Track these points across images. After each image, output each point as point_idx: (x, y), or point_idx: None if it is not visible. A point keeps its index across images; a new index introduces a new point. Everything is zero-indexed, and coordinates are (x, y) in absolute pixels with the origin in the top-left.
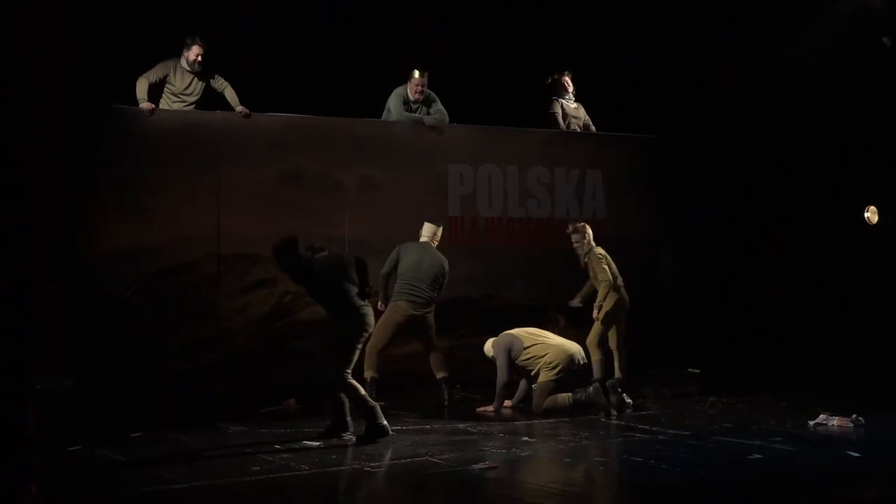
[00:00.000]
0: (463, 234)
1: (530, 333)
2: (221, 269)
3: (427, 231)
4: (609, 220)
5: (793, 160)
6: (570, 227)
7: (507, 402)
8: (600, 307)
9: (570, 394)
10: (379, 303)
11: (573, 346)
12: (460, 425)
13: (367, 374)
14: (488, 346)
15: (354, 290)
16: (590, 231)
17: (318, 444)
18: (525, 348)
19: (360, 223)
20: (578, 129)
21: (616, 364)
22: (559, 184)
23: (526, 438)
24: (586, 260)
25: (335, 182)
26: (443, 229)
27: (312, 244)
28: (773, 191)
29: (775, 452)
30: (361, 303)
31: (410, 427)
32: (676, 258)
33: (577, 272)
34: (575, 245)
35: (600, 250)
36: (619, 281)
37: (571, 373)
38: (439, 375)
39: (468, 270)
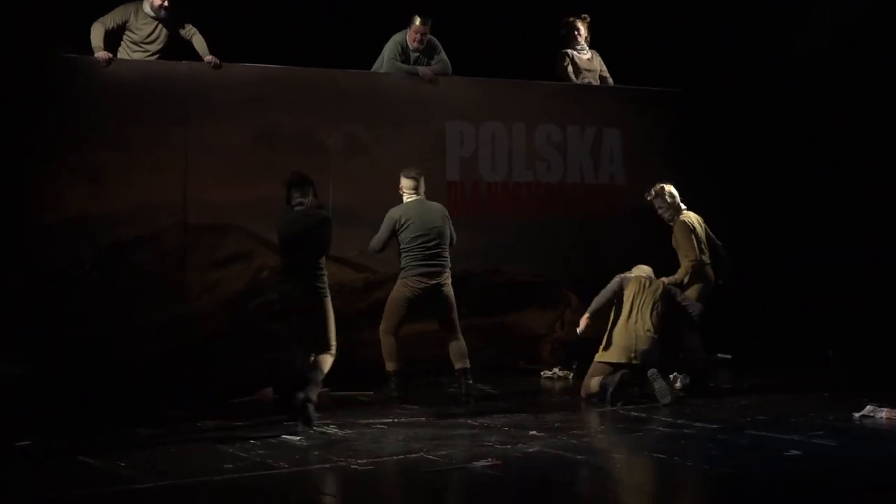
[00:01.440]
0: (463, 202)
1: (632, 293)
2: (188, 242)
3: (408, 185)
4: (628, 187)
5: (849, 120)
6: (649, 195)
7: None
8: (679, 286)
9: (599, 378)
10: None
11: (631, 341)
12: (459, 418)
13: (389, 366)
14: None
15: (294, 256)
16: (671, 190)
17: (298, 438)
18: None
19: (346, 189)
20: (594, 83)
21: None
22: (572, 144)
23: (534, 433)
24: (671, 225)
25: (318, 142)
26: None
27: (316, 201)
28: (821, 155)
29: (816, 448)
30: (289, 269)
31: (403, 420)
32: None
33: (594, 244)
34: (659, 212)
35: (691, 216)
36: (706, 257)
37: (615, 367)
38: (458, 365)
39: (468, 242)
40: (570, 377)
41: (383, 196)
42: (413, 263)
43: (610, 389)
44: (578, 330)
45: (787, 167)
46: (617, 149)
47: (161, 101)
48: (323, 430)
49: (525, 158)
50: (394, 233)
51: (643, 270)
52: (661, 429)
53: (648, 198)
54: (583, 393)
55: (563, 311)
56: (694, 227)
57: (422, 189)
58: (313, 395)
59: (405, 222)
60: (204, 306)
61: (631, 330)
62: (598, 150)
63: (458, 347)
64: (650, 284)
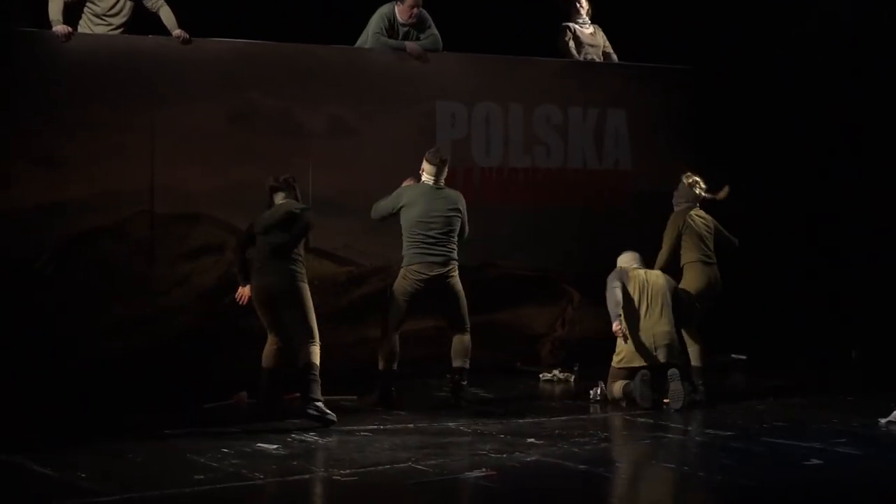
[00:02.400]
0: (454, 189)
1: (636, 289)
2: (156, 233)
3: (428, 170)
4: (635, 172)
5: (880, 101)
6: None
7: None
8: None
9: (622, 383)
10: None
11: (649, 341)
12: (451, 424)
13: (381, 364)
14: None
15: (261, 251)
16: (695, 181)
17: (275, 447)
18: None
19: (328, 175)
20: (597, 60)
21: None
22: (574, 126)
23: (532, 440)
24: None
25: (297, 124)
26: (448, 162)
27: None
28: (847, 140)
29: (839, 457)
30: (258, 265)
31: (389, 426)
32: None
33: (597, 235)
34: (686, 202)
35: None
36: (706, 257)
37: (629, 391)
38: (456, 363)
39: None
40: (572, 380)
41: (368, 182)
42: (411, 252)
43: (637, 394)
44: (618, 334)
45: (809, 152)
46: (622, 131)
47: (126, 79)
48: (302, 437)
49: (522, 142)
50: (395, 211)
51: (632, 259)
52: (670, 436)
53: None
54: (609, 398)
55: (565, 309)
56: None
57: (442, 176)
58: (319, 395)
59: (407, 204)
60: (173, 302)
61: (647, 331)
62: (601, 132)
63: (460, 343)
64: (648, 276)
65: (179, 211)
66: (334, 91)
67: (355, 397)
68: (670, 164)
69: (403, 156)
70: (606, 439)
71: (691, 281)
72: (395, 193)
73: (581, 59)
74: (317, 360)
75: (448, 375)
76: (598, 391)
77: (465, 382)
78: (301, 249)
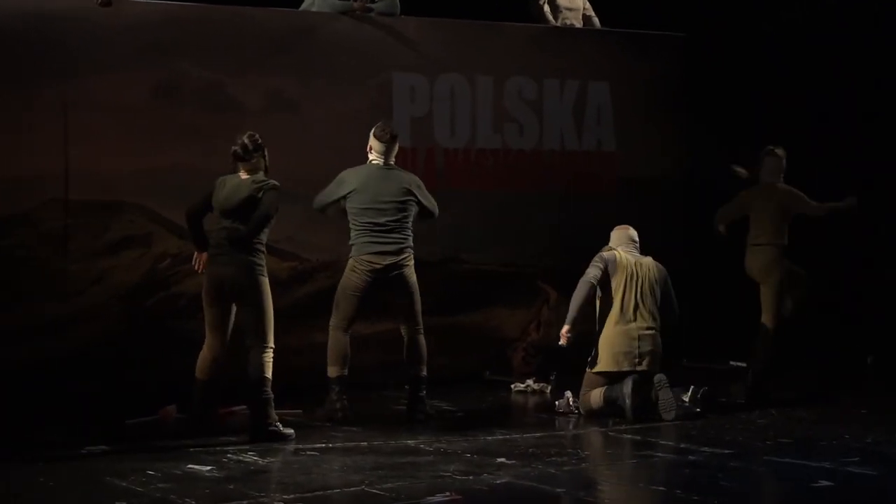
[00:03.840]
0: (414, 173)
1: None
2: (70, 223)
3: (376, 147)
4: (620, 155)
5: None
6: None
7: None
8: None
9: (602, 388)
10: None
11: (632, 344)
12: (409, 442)
13: (331, 370)
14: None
15: (217, 234)
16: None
17: (209, 469)
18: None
19: (269, 158)
20: (577, 26)
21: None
22: (550, 102)
23: (502, 460)
24: (774, 195)
25: (232, 98)
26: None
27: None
28: (857, 112)
29: (851, 478)
30: (214, 250)
31: (339, 445)
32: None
33: (577, 226)
34: (770, 178)
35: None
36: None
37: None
38: (413, 371)
39: (420, 224)
40: (548, 391)
41: (313, 166)
42: (361, 241)
43: (627, 401)
44: (562, 342)
45: (814, 131)
46: (605, 107)
47: (34, 47)
48: (239, 458)
49: (492, 119)
50: (340, 199)
51: (625, 240)
52: (660, 454)
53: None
54: (582, 409)
55: (540, 310)
56: None
57: (392, 154)
58: (274, 416)
59: (355, 190)
60: (91, 302)
61: (629, 330)
62: (581, 108)
63: (415, 347)
64: (640, 264)
65: (97, 198)
66: (275, 61)
67: (300, 412)
68: (659, 144)
69: (354, 135)
70: (587, 459)
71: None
72: (337, 179)
73: (558, 24)
74: (270, 373)
75: (406, 386)
76: (568, 402)
77: (423, 393)
78: (263, 237)
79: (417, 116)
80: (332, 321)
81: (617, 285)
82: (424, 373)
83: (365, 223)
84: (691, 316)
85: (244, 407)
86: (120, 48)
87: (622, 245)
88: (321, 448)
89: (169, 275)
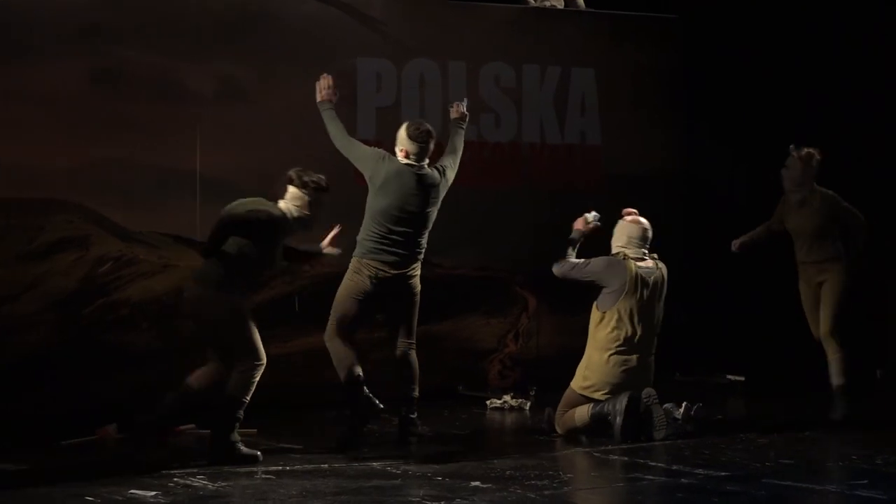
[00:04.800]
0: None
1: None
2: (0, 224)
3: (413, 149)
4: (606, 149)
5: None
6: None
7: None
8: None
9: (589, 405)
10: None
11: (625, 375)
12: (375, 464)
13: (347, 373)
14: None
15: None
16: (818, 157)
17: (154, 494)
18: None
19: (220, 152)
20: (559, 7)
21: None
22: (529, 90)
23: (476, 484)
24: (808, 204)
25: (180, 86)
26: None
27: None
28: (864, 104)
29: (859, 503)
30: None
31: (297, 467)
32: (712, 203)
33: (559, 227)
34: (790, 185)
35: (829, 191)
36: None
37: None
38: (409, 392)
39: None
40: (527, 407)
41: (268, 160)
42: (370, 244)
43: (619, 419)
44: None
45: (821, 123)
46: (590, 96)
47: None
48: (188, 482)
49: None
50: (357, 162)
51: (635, 239)
52: (650, 477)
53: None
54: (560, 429)
55: (518, 319)
56: None
57: (427, 156)
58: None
59: (385, 182)
60: (22, 311)
61: (629, 361)
62: (563, 97)
63: (410, 366)
64: (654, 283)
65: (29, 196)
66: (227, 45)
67: (255, 431)
68: (651, 140)
69: (314, 127)
70: (570, 482)
71: (847, 277)
72: (375, 152)
73: (538, 5)
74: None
75: (404, 409)
76: (548, 419)
77: (415, 415)
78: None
79: (384, 106)
80: (328, 330)
81: (623, 308)
82: (418, 393)
83: (380, 226)
84: (686, 326)
85: (191, 426)
86: (54, 32)
87: (632, 247)
88: (277, 471)
89: (109, 280)
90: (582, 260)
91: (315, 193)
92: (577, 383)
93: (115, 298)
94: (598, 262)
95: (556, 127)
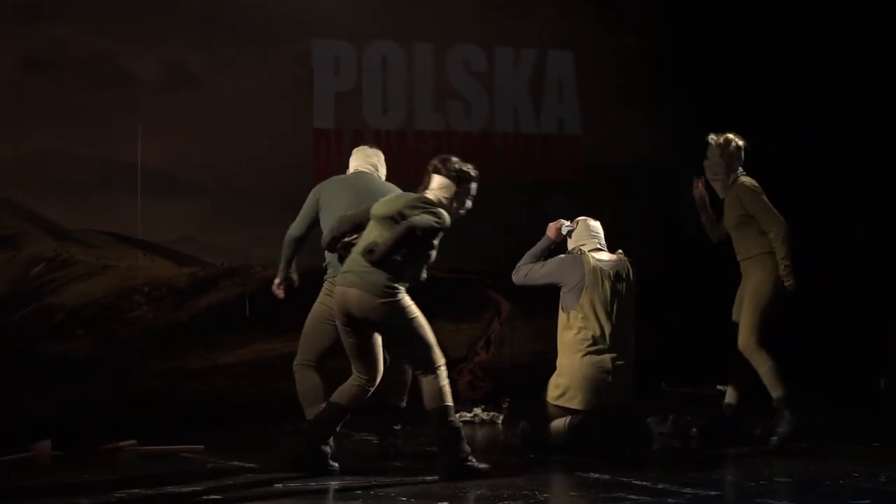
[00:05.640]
0: (339, 160)
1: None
2: None
3: (360, 158)
4: (587, 139)
5: None
6: (714, 141)
7: None
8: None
9: (567, 418)
10: (276, 281)
11: (601, 379)
12: (333, 483)
13: (310, 412)
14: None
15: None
16: (738, 142)
17: None
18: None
19: (163, 141)
20: None
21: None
22: (502, 74)
23: None
24: (728, 194)
25: (121, 71)
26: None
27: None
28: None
29: None
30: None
31: (248, 491)
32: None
33: (534, 224)
34: (710, 175)
35: (749, 181)
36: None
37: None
38: (395, 402)
39: None
40: (500, 421)
41: (217, 151)
42: (335, 263)
43: (599, 433)
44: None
45: (826, 113)
46: (568, 82)
47: None
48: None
49: (432, 96)
50: (312, 215)
51: (585, 231)
52: (634, 497)
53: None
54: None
55: (490, 325)
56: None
57: (380, 166)
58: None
59: (325, 203)
60: None
61: (602, 362)
62: (540, 83)
63: (401, 375)
64: (615, 274)
65: None
66: (173, 28)
67: (202, 447)
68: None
69: (268, 115)
70: (546, 502)
71: (768, 277)
72: (308, 203)
73: None
74: (450, 399)
75: (389, 420)
76: (521, 432)
77: (399, 426)
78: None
79: (342, 91)
80: (297, 359)
81: (587, 304)
82: (405, 404)
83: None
84: (671, 331)
85: (132, 442)
86: None
87: (586, 239)
88: (225, 491)
89: (43, 283)
90: (539, 263)
91: (465, 183)
92: (550, 394)
93: (48, 303)
94: (552, 261)
95: (531, 115)
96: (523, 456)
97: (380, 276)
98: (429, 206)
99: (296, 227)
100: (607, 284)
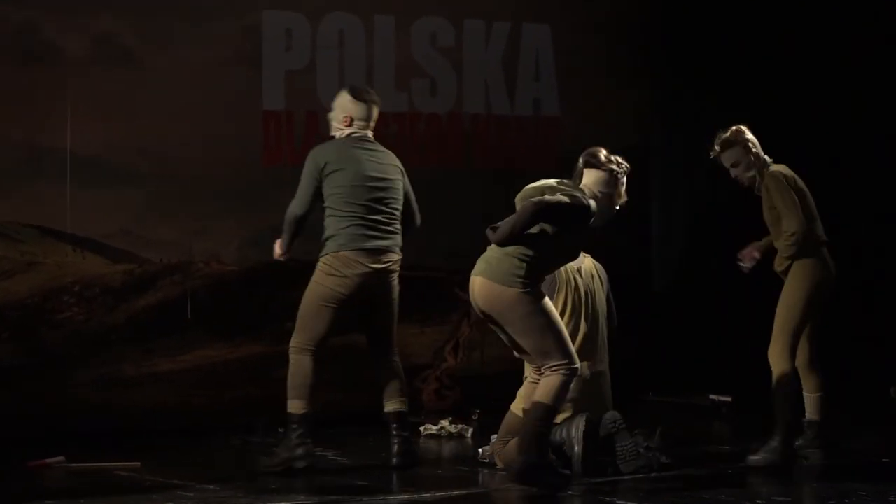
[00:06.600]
0: (290, 146)
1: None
2: None
3: (358, 112)
4: (566, 121)
5: None
6: (717, 142)
7: None
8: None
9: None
10: (279, 252)
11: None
12: (286, 501)
13: (293, 405)
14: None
15: None
16: (750, 136)
17: None
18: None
19: (95, 122)
20: None
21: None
22: (472, 50)
23: None
24: (759, 189)
25: (47, 46)
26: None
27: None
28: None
29: None
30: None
31: None
32: (694, 192)
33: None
34: (732, 170)
35: (782, 169)
36: (820, 229)
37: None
38: (392, 407)
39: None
40: (469, 434)
41: (155, 134)
42: (347, 232)
43: (577, 448)
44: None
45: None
46: (546, 58)
47: None
48: None
49: (395, 74)
50: (316, 185)
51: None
52: None
53: (714, 154)
54: (503, 463)
55: (458, 327)
56: (794, 179)
57: (373, 121)
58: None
59: (331, 171)
60: None
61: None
62: (514, 61)
63: (398, 378)
64: (588, 274)
65: None
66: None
67: (139, 464)
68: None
69: (212, 96)
70: None
71: (812, 272)
72: (308, 160)
73: None
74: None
75: (394, 427)
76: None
77: (406, 433)
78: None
79: (295, 69)
80: (295, 341)
81: (561, 304)
82: (407, 407)
83: (352, 207)
84: (658, 335)
85: (60, 458)
86: None
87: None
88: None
89: None
90: None
91: (619, 177)
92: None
93: None
94: None
95: (504, 95)
96: (494, 472)
97: (510, 265)
98: (573, 189)
99: (300, 205)
100: (584, 285)
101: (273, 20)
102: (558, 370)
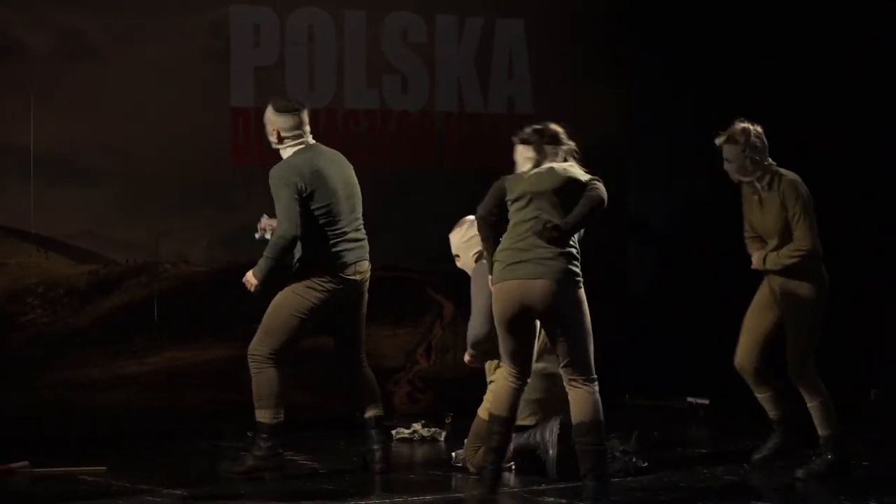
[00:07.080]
0: (260, 144)
1: None
2: None
3: (285, 124)
4: (541, 119)
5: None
6: (722, 136)
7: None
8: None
9: (513, 435)
10: (251, 278)
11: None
12: None
13: (262, 414)
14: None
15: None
16: (754, 141)
17: None
18: None
19: (58, 121)
20: None
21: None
22: (444, 46)
23: None
24: (769, 194)
25: (11, 41)
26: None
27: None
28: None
29: None
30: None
31: None
32: (671, 193)
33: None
34: (726, 164)
35: (793, 177)
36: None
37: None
38: (371, 413)
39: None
40: (442, 437)
41: (119, 132)
42: (328, 245)
43: (551, 451)
44: (466, 359)
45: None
46: (520, 55)
47: None
48: None
49: (366, 70)
50: (300, 206)
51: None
52: None
53: (719, 143)
54: (474, 468)
55: (431, 329)
56: (804, 191)
57: (307, 125)
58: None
59: (311, 188)
60: None
61: (545, 370)
62: (487, 56)
63: (371, 383)
64: None
65: None
66: None
67: (105, 469)
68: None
69: (178, 92)
70: None
71: (816, 291)
72: (279, 182)
73: None
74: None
75: (374, 433)
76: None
77: (385, 438)
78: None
79: (264, 65)
80: (258, 349)
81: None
82: (381, 411)
83: (341, 219)
84: (635, 337)
85: (24, 463)
86: None
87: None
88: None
89: None
90: (476, 303)
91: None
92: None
93: None
94: (480, 295)
95: (477, 92)
96: (468, 477)
97: (565, 263)
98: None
99: (293, 227)
100: None
101: (241, 15)
102: (593, 383)
